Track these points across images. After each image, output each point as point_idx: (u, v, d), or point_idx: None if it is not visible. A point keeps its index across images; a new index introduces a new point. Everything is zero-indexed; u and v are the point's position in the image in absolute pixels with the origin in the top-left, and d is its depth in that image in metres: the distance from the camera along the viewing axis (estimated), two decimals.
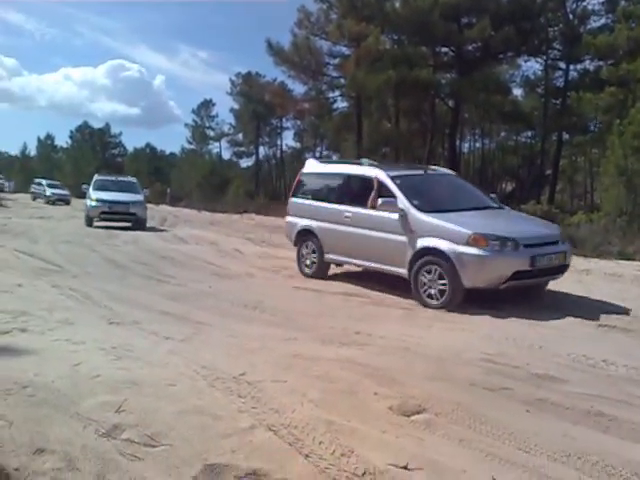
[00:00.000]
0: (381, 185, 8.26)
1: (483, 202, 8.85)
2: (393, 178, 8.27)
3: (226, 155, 63.89)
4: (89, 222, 18.92)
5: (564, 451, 2.99)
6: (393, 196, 7.92)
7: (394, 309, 7.17)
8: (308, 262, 9.46)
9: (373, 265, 8.36)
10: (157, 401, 3.38)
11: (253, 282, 9.09)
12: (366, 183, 8.53)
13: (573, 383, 4.16)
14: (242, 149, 61.61)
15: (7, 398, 3.31)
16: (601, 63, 29.54)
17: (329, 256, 9.11)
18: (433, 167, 10.82)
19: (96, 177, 20.87)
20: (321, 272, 9.27)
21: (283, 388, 3.75)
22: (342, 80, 35.23)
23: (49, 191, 38.45)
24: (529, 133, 42.46)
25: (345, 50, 34.34)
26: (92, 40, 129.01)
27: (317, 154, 54.78)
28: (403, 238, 7.65)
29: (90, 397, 3.37)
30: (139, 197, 19.74)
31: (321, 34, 34.02)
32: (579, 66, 33.20)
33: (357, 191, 8.78)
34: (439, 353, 4.86)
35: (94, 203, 18.73)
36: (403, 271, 7.66)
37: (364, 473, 2.65)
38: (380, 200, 7.88)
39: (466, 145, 47.29)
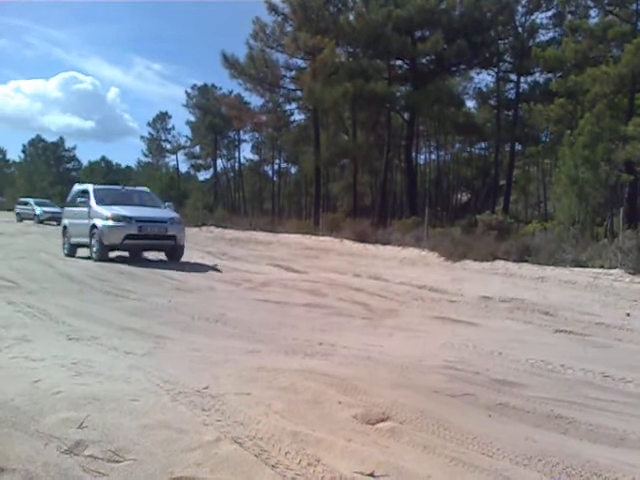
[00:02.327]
0: None
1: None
2: None
3: (183, 168, 63.56)
4: (103, 253, 12.74)
5: (526, 454, 3.06)
6: None
7: (356, 319, 7.22)
8: None
9: None
10: (120, 416, 3.33)
11: (214, 295, 9.03)
12: None
13: (533, 387, 4.25)
14: (199, 162, 61.19)
15: None
16: (550, 75, 30.38)
17: None
18: None
19: (91, 187, 14.46)
20: None
21: (247, 400, 3.73)
22: (299, 93, 35.43)
23: (38, 210, 36.01)
24: (483, 144, 43.32)
25: (301, 63, 34.62)
26: (43, 52, 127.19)
27: (275, 167, 54.84)
28: None
29: (51, 414, 3.30)
30: (173, 214, 14.16)
31: (277, 46, 34.18)
32: (529, 78, 34.17)
33: None
34: (401, 361, 4.91)
35: (110, 222, 12.64)
36: None
37: None
38: None
39: (422, 157, 47.84)
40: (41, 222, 34.51)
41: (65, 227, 15.05)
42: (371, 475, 2.74)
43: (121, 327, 6.23)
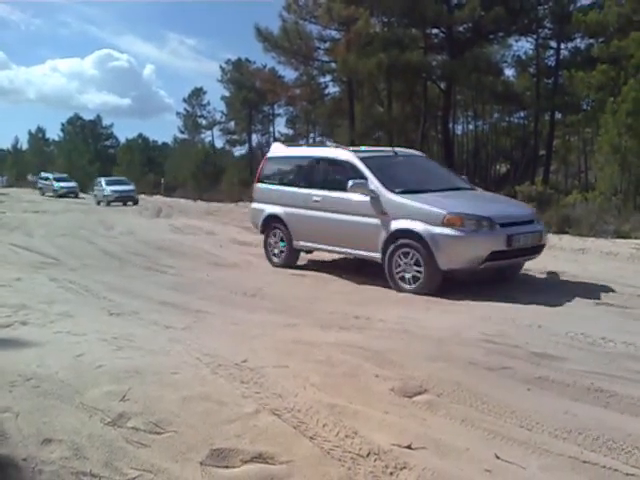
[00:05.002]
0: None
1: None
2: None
3: (219, 144, 63.72)
4: (433, 283, 6.91)
5: (565, 427, 3.03)
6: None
7: (392, 293, 7.19)
8: None
9: None
10: (161, 389, 3.40)
11: (252, 270, 9.10)
12: None
13: (573, 361, 4.19)
14: (235, 137, 61.38)
15: (12, 390, 3.33)
16: (592, 41, 29.45)
17: None
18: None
19: (352, 154, 8.23)
20: None
21: (285, 373, 3.77)
22: (333, 65, 35.00)
23: (107, 190, 34.00)
24: (522, 114, 42.38)
25: (335, 34, 34.06)
26: (78, 30, 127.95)
27: (309, 140, 54.66)
28: None
29: (94, 387, 3.39)
30: (528, 206, 8.82)
31: (310, 18, 33.67)
32: (570, 44, 33.21)
33: None
34: (438, 334, 4.89)
35: (452, 231, 6.70)
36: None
37: (368, 453, 2.68)
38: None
39: (459, 127, 47.06)
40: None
41: (278, 219, 9.11)
42: (408, 447, 2.76)
43: (161, 302, 6.34)
